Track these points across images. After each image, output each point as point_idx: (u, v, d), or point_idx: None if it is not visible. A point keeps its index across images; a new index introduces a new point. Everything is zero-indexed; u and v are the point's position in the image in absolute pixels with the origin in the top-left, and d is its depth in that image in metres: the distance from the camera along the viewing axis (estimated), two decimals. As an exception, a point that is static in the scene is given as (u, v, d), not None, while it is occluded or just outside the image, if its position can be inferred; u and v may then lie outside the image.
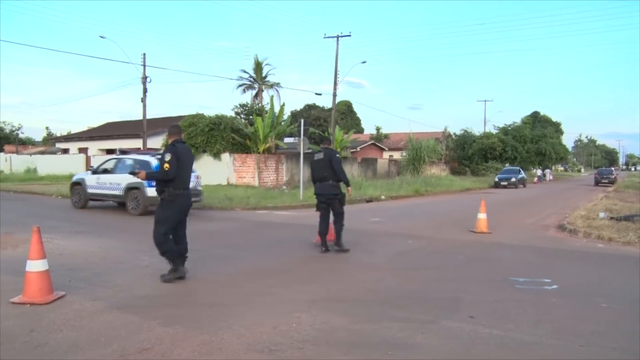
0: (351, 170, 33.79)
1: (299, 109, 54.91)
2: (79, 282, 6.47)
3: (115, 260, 7.90)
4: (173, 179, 6.53)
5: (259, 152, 28.35)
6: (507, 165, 47.11)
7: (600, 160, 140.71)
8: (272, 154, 29.44)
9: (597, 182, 43.17)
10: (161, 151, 17.51)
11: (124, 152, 17.57)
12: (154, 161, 14.46)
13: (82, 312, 5.22)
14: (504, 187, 35.15)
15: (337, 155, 9.18)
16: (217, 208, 16.84)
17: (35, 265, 5.50)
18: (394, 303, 5.76)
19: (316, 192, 9.15)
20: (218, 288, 6.36)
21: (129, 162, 15.56)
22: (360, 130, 64.44)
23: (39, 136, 77.68)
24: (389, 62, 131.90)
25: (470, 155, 50.63)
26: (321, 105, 54.60)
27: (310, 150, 30.14)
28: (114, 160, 16.59)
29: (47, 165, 38.01)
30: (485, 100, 61.92)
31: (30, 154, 47.36)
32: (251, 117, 31.34)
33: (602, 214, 14.06)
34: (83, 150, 40.87)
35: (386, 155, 54.57)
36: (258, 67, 45.60)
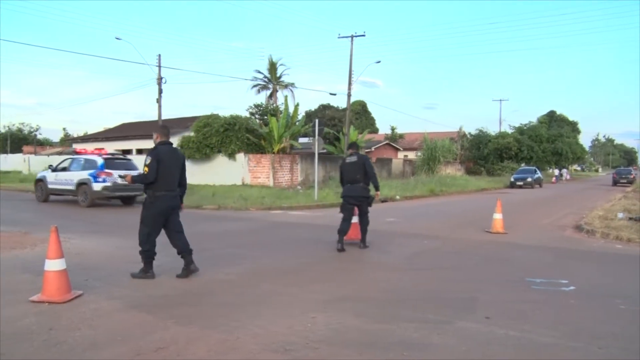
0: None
1: (313, 109, 54.93)
2: (95, 281, 6.53)
3: (130, 260, 7.94)
4: (154, 182, 6.63)
5: (273, 152, 28.40)
6: (523, 165, 46.78)
7: (618, 159, 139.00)
8: (287, 154, 29.48)
9: (616, 182, 42.72)
10: (117, 153, 22.27)
11: (77, 152, 19.78)
12: (99, 160, 17.28)
13: (99, 311, 5.27)
14: (520, 187, 34.89)
15: (370, 160, 9.54)
16: (232, 208, 16.91)
17: (54, 265, 5.56)
18: (410, 303, 5.74)
19: (346, 193, 9.21)
20: (233, 288, 6.37)
21: (81, 161, 17.99)
22: (375, 130, 64.30)
23: (56, 137, 78.60)
24: (404, 62, 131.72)
25: (485, 155, 50.33)
26: (336, 105, 54.55)
27: (325, 151, 30.22)
28: (69, 160, 18.81)
29: (65, 165, 38.45)
30: (500, 100, 61.63)
31: (48, 155, 47.90)
32: (266, 117, 31.41)
33: (620, 215, 13.89)
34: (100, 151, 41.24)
35: (401, 155, 54.39)
36: (272, 67, 45.68)
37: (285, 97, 32.98)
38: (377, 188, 9.35)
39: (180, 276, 6.81)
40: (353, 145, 9.69)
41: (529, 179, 35.90)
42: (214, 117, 28.96)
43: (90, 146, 43.70)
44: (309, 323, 4.92)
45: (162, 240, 6.92)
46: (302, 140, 31.52)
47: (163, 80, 30.29)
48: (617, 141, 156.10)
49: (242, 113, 32.32)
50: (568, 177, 55.52)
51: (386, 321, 5.04)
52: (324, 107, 54.84)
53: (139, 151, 38.64)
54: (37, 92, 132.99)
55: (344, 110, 40.22)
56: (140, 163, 29.57)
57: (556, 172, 51.35)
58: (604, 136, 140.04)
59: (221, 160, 28.45)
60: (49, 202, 19.14)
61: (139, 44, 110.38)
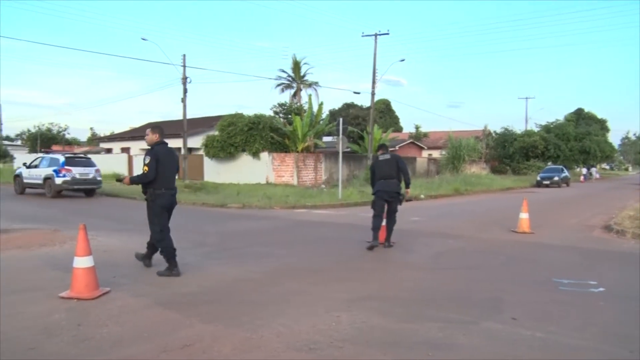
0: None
1: (337, 108, 54.92)
2: (122, 278, 6.62)
3: (156, 258, 8.02)
4: (154, 180, 6.85)
5: (297, 151, 28.46)
6: (549, 163, 46.12)
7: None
8: (311, 152, 29.52)
9: (646, 181, 41.82)
10: (80, 153, 26.03)
11: (46, 152, 24.22)
12: (61, 158, 20.62)
13: (126, 307, 5.34)
14: (547, 186, 34.40)
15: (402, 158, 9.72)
16: (256, 207, 16.98)
17: (82, 262, 5.66)
18: (434, 303, 5.70)
19: (381, 188, 9.20)
20: (257, 286, 6.40)
21: (47, 159, 21.39)
22: (399, 129, 63.99)
23: (84, 136, 80.00)
24: (428, 60, 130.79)
25: (511, 153, 49.73)
26: (359, 104, 54.44)
27: (349, 149, 30.17)
28: (39, 158, 22.19)
29: (92, 164, 39.05)
30: (526, 98, 60.81)
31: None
32: (290, 116, 31.51)
33: (651, 215, 13.59)
34: (125, 150, 41.82)
35: (425, 154, 54.06)
36: (296, 66, 45.78)
37: (309, 96, 33.00)
38: (408, 185, 9.47)
39: (139, 257, 7.33)
40: (383, 147, 9.70)
41: (556, 178, 35.38)
42: (238, 116, 29.14)
43: (116, 145, 44.56)
44: (333, 322, 4.91)
45: (192, 238, 6.97)
46: (326, 139, 31.57)
47: (188, 80, 30.52)
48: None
49: (266, 112, 32.52)
50: (597, 176, 54.47)
51: (411, 320, 5.02)
52: (348, 106, 54.79)
53: (45, 152, 39.07)
54: (67, 92, 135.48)
55: (368, 108, 40.07)
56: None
57: (584, 170, 50.42)
58: (635, 134, 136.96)
59: (245, 159, 28.62)
60: (77, 199, 19.60)
61: (165, 45, 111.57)
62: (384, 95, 65.32)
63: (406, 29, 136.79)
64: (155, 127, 7.38)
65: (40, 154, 24.38)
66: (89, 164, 21.12)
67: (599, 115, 69.11)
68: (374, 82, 32.94)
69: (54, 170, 20.02)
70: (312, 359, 4.06)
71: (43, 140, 64.81)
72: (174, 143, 36.15)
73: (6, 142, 72.88)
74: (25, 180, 21.82)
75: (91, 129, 79.87)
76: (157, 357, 4.01)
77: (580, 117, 64.90)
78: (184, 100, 30.48)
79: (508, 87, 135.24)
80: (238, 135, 28.17)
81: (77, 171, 20.23)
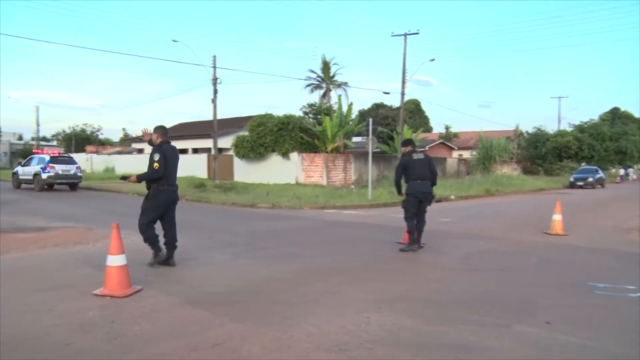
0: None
1: (366, 108, 54.83)
2: (153, 277, 6.71)
3: (187, 257, 8.12)
4: (161, 177, 7.18)
5: (327, 152, 28.47)
6: (583, 164, 45.11)
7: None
8: (340, 153, 29.49)
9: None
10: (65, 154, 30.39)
11: (35, 152, 28.24)
12: (47, 157, 24.48)
13: (158, 306, 5.41)
14: (580, 187, 33.69)
15: None
16: (286, 207, 17.04)
17: (115, 260, 5.75)
18: (466, 305, 5.62)
19: (418, 189, 9.07)
20: (287, 286, 6.41)
21: (36, 158, 25.38)
22: (429, 129, 63.54)
23: (116, 137, 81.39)
24: (458, 60, 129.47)
25: (543, 154, 48.88)
26: (389, 104, 54.20)
27: (378, 150, 30.06)
28: (31, 158, 26.13)
29: (124, 164, 39.69)
30: (559, 97, 59.76)
31: (109, 154, 49.66)
32: (319, 116, 31.56)
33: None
34: (157, 150, 42.34)
35: (455, 154, 53.53)
36: (326, 66, 45.83)
37: (339, 96, 32.94)
38: (434, 185, 9.39)
39: (151, 263, 7.33)
40: (411, 142, 9.58)
41: (590, 179, 34.64)
42: (268, 117, 29.29)
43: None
44: (363, 323, 4.89)
45: (222, 238, 7.02)
46: (355, 139, 31.52)
47: (218, 81, 30.81)
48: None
49: (295, 112, 32.62)
50: (635, 177, 53.03)
51: (441, 322, 4.96)
52: (378, 106, 54.63)
53: (195, 150, 39.55)
54: (100, 94, 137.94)
55: (398, 109, 39.86)
56: (196, 161, 30.30)
57: (621, 171, 49.17)
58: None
59: (275, 159, 28.75)
60: (108, 199, 19.95)
61: (195, 46, 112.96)
62: (413, 95, 65.02)
63: (436, 28, 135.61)
64: (160, 127, 7.65)
65: (33, 155, 27.67)
66: (70, 162, 25.37)
67: (636, 114, 67.47)
68: (403, 82, 32.76)
69: (41, 168, 24.02)
70: (342, 359, 4.04)
71: (77, 141, 66.24)
72: (204, 143, 36.82)
73: (43, 143, 74.67)
74: (20, 177, 25.91)
75: (123, 129, 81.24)
76: (188, 355, 4.04)
77: (616, 116, 63.46)
78: (214, 100, 30.77)
79: (540, 86, 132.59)
80: (268, 136, 28.32)
81: (60, 168, 24.21)
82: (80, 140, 66.93)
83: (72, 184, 24.99)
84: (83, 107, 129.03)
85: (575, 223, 13.05)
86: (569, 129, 53.46)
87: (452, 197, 22.03)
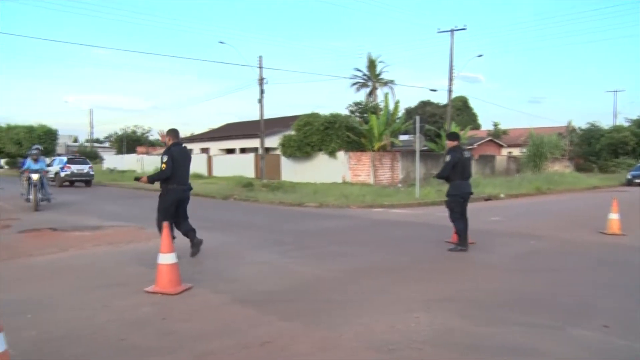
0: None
1: (413, 106, 54.18)
2: (203, 275, 6.81)
3: (235, 255, 8.23)
4: (170, 177, 7.64)
5: (374, 150, 28.34)
6: (641, 161, 43.38)
7: None
8: (387, 151, 29.32)
9: None
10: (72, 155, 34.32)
11: (58, 155, 33.59)
12: (65, 159, 29.71)
13: (207, 303, 5.49)
14: (638, 185, 32.40)
15: None
16: (333, 206, 17.04)
17: (166, 258, 5.87)
18: (517, 306, 5.48)
19: (463, 189, 8.93)
20: (335, 285, 6.40)
21: (57, 160, 29.93)
22: (477, 127, 62.27)
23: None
24: (507, 55, 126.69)
25: (597, 150, 47.17)
26: (436, 102, 53.35)
27: (426, 148, 29.71)
28: (54, 159, 30.38)
29: (174, 164, 40.45)
30: (615, 91, 57.67)
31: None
32: (365, 115, 31.45)
33: None
34: (205, 150, 43.11)
35: (504, 151, 52.36)
36: (371, 64, 45.54)
37: (386, 94, 32.81)
38: None
39: (193, 254, 7.92)
40: (458, 136, 9.38)
41: (649, 177, 33.23)
42: (314, 116, 29.36)
43: (196, 146, 46.10)
44: (412, 323, 4.83)
45: (270, 237, 7.07)
46: (402, 137, 31.22)
47: (264, 81, 31.12)
48: None
49: (341, 111, 32.54)
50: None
51: (492, 324, 4.85)
52: (424, 104, 53.90)
53: (242, 150, 40.01)
54: (150, 96, 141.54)
55: (445, 106, 39.34)
56: (243, 161, 30.79)
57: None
58: None
59: (322, 158, 28.80)
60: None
61: (241, 47, 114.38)
62: (461, 92, 63.79)
63: (484, 23, 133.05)
64: (171, 130, 8.08)
65: (55, 157, 32.84)
66: (84, 162, 30.19)
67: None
68: (450, 79, 32.35)
69: (60, 168, 28.33)
70: (391, 359, 4.00)
71: (129, 142, 68.07)
72: (251, 143, 37.19)
73: (96, 145, 77.26)
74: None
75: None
76: (238, 353, 4.08)
77: (676, 110, 60.76)
78: (260, 100, 31.09)
79: (594, 80, 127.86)
80: (314, 135, 28.39)
81: (75, 167, 28.77)
82: (131, 142, 68.74)
83: (86, 180, 29.24)
84: (134, 109, 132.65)
85: (633, 222, 12.52)
86: (625, 124, 51.39)
87: (502, 195, 21.57)
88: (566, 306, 5.51)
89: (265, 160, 31.76)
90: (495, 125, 58.99)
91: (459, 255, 8.44)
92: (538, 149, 37.39)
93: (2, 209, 15.63)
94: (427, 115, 44.16)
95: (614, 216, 10.97)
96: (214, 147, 42.87)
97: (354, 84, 47.16)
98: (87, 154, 62.08)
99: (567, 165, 45.48)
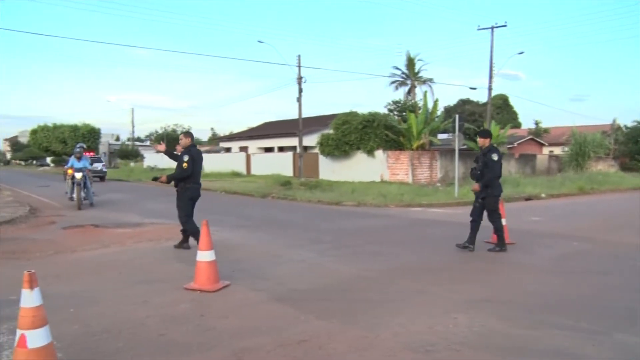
0: (508, 167, 32.22)
1: (452, 104, 53.54)
2: (241, 273, 6.87)
3: (273, 254, 8.27)
4: (189, 176, 8.19)
5: (412, 149, 28.09)
6: (693, 160, 41.78)
7: None
8: (426, 150, 29.02)
9: None
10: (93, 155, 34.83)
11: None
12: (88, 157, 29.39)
13: (245, 301, 5.53)
14: (687, 185, 31.22)
15: None
16: (371, 205, 16.96)
17: (205, 256, 5.95)
18: (559, 309, 5.34)
19: (501, 189, 8.89)
20: (372, 284, 6.37)
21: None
22: (517, 125, 61.19)
23: (205, 136, 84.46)
24: (549, 52, 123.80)
25: (644, 149, 45.69)
26: (475, 100, 52.64)
27: (465, 147, 29.33)
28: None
29: (212, 163, 40.86)
30: (664, 88, 55.60)
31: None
32: (404, 113, 31.16)
33: None
34: (243, 149, 43.55)
35: (546, 150, 51.30)
36: (410, 63, 45.15)
37: (425, 92, 32.36)
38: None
39: (176, 246, 8.56)
40: (488, 133, 9.22)
41: (700, 176, 32.01)
42: (353, 115, 29.27)
43: (234, 144, 46.63)
44: (450, 324, 4.76)
45: (308, 235, 7.06)
46: (441, 136, 30.84)
47: (303, 80, 31.22)
48: None
49: (380, 110, 32.36)
50: None
51: (533, 326, 4.73)
52: (463, 102, 53.21)
53: (280, 149, 40.26)
54: (190, 95, 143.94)
55: (484, 104, 38.74)
56: (281, 159, 31.11)
57: None
58: None
59: (360, 157, 28.70)
60: (212, 198, 20.66)
61: (280, 46, 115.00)
62: (501, 90, 62.47)
63: (524, 19, 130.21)
64: (188, 132, 8.88)
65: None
66: (99, 160, 35.14)
67: None
68: (490, 77, 31.84)
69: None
70: (429, 361, 3.95)
71: (169, 141, 69.08)
72: (289, 142, 37.41)
73: (137, 143, 78.86)
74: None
75: (212, 129, 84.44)
76: (275, 351, 4.09)
77: None
78: (299, 99, 31.22)
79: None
80: (352, 134, 28.31)
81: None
82: (171, 140, 69.77)
83: (100, 177, 33.22)
84: (174, 108, 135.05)
85: (683, 223, 12.08)
86: (674, 122, 49.64)
87: (543, 195, 21.10)
88: (612, 310, 5.34)
89: (304, 159, 31.86)
90: (537, 123, 57.85)
91: (499, 256, 8.29)
92: (581, 147, 36.47)
93: (47, 206, 16.14)
94: (466, 113, 43.48)
95: (662, 217, 10.59)
96: (253, 145, 43.25)
97: (393, 82, 46.88)
98: (129, 152, 63.41)
99: (611, 164, 44.17)
